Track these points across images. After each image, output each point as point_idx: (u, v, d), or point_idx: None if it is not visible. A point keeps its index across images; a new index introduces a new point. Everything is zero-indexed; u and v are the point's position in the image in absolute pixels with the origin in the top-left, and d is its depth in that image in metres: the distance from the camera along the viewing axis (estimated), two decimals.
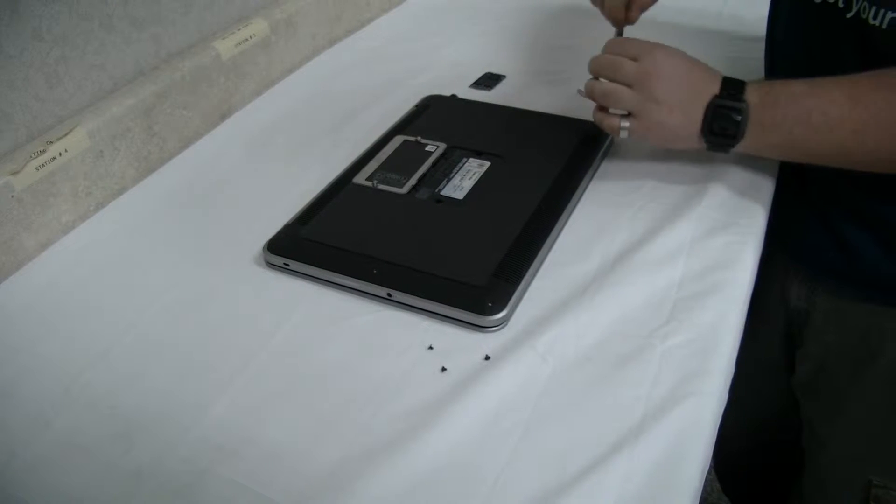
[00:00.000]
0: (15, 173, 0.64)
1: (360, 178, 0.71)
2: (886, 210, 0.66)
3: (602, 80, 0.66)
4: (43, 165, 0.66)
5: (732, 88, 0.62)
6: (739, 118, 0.61)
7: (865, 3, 0.59)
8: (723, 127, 0.62)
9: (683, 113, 0.63)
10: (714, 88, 0.62)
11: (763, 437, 0.99)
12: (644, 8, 0.75)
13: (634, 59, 0.64)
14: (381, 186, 0.69)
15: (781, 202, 0.69)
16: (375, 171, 0.71)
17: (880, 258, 0.67)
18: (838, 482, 0.80)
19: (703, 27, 0.96)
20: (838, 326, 0.75)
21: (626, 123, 0.65)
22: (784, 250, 0.76)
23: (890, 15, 0.57)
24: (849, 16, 0.61)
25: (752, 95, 0.61)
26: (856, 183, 0.63)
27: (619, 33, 0.77)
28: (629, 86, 0.64)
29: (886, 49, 0.58)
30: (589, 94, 0.67)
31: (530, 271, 0.60)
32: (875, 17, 0.58)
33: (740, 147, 0.63)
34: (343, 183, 0.71)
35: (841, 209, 0.69)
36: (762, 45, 0.76)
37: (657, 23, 0.99)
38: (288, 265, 0.63)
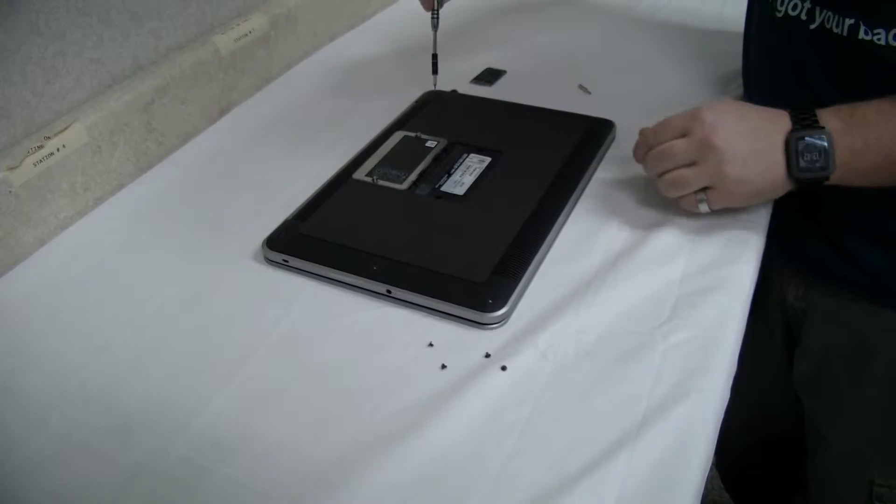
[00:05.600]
0: (12, 169, 0.64)
1: (360, 174, 0.70)
2: (880, 215, 0.66)
3: (663, 169, 0.62)
4: (41, 161, 0.66)
5: (805, 118, 0.58)
6: (826, 145, 0.56)
7: (829, 12, 0.59)
8: (811, 160, 0.57)
9: (761, 160, 0.58)
10: (785, 124, 0.58)
11: (765, 434, 0.99)
12: None
13: (684, 136, 0.60)
14: (381, 182, 0.69)
15: (777, 205, 0.68)
16: (375, 166, 0.71)
17: (875, 260, 0.67)
18: (841, 481, 0.80)
19: (700, 32, 0.96)
20: (835, 326, 0.74)
21: (704, 204, 0.61)
22: (780, 252, 0.76)
23: (848, 22, 0.58)
24: (812, 27, 0.61)
25: (830, 121, 0.57)
26: (848, 190, 0.64)
27: (434, 18, 0.79)
28: (693, 164, 0.59)
29: (849, 57, 0.59)
30: (662, 192, 0.63)
31: (531, 268, 0.60)
32: (837, 26, 0.59)
33: (834, 178, 0.58)
34: (343, 179, 0.70)
35: (836, 215, 0.69)
36: None
37: (655, 22, 0.99)
38: (287, 261, 0.63)
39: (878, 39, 0.56)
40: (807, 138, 0.56)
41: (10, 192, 0.64)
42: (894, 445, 0.74)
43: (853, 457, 0.77)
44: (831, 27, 0.59)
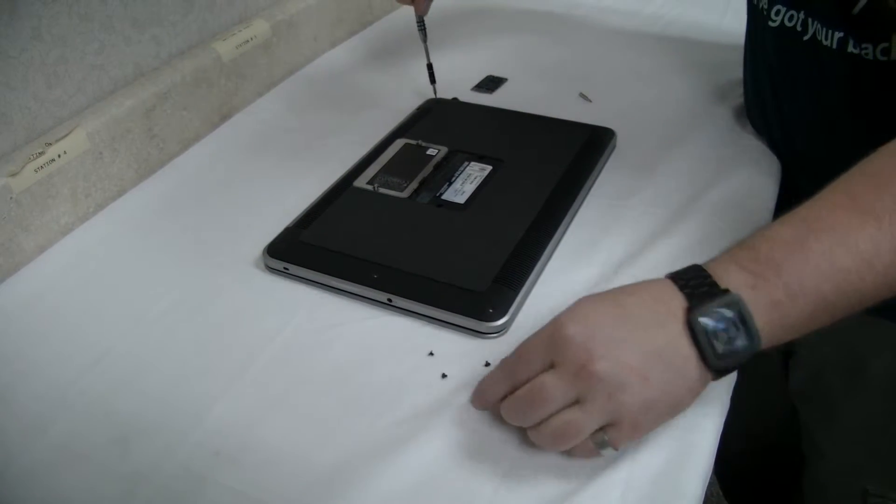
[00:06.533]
0: (13, 175, 0.64)
1: (361, 182, 0.70)
2: None
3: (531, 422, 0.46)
4: (42, 167, 0.66)
5: (692, 280, 0.44)
6: (740, 311, 0.42)
7: (819, 24, 0.60)
8: (728, 339, 0.42)
9: (664, 366, 0.43)
10: (676, 301, 0.44)
11: (764, 441, 0.99)
12: None
13: (549, 367, 0.44)
14: (382, 190, 0.69)
15: (775, 215, 0.68)
16: (376, 174, 0.71)
17: None
18: (835, 490, 0.80)
19: (700, 41, 0.96)
20: (830, 337, 0.74)
21: (608, 448, 0.45)
22: None
23: (837, 35, 0.58)
24: (806, 38, 0.61)
25: (731, 276, 0.44)
26: None
27: (421, 30, 0.80)
28: (576, 402, 0.44)
29: (838, 70, 0.60)
30: (542, 446, 0.46)
31: (532, 277, 0.60)
32: (826, 39, 0.59)
33: (765, 347, 0.43)
34: (344, 186, 0.70)
35: None
36: None
37: (656, 31, 1.00)
38: (287, 269, 0.63)
39: (866, 54, 0.57)
40: (713, 311, 0.42)
41: (11, 198, 0.64)
42: (889, 456, 0.74)
43: (847, 467, 0.77)
44: (821, 39, 0.60)
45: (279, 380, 0.54)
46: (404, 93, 0.87)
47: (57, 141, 0.67)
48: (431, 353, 0.55)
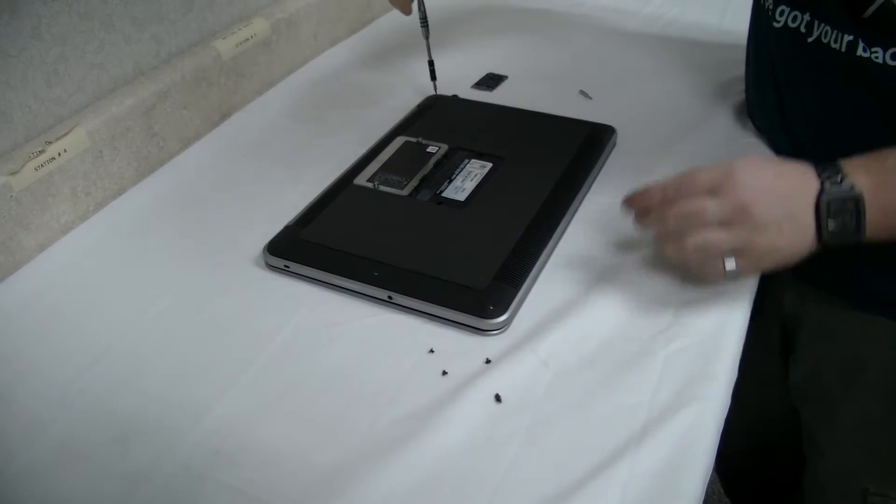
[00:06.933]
0: (14, 173, 0.64)
1: (361, 180, 0.70)
2: None
3: (680, 224, 0.56)
4: (42, 166, 0.66)
5: (832, 174, 0.54)
6: (857, 208, 0.53)
7: (827, 27, 0.59)
8: (842, 224, 0.53)
9: (794, 226, 0.54)
10: (813, 182, 0.54)
11: (765, 439, 0.99)
12: None
13: (712, 192, 0.55)
14: (383, 188, 0.69)
15: None
16: (376, 172, 0.71)
17: (870, 271, 0.67)
18: (836, 489, 0.80)
19: (700, 40, 0.96)
20: (829, 335, 0.74)
21: (731, 265, 0.55)
22: None
23: (847, 38, 0.57)
24: (810, 40, 0.61)
25: (859, 177, 0.53)
26: None
27: (424, 27, 0.79)
28: (724, 225, 0.54)
29: (846, 73, 0.59)
30: (676, 256, 0.57)
31: (532, 274, 0.60)
32: (835, 42, 0.58)
33: (866, 238, 0.54)
34: (344, 184, 0.70)
35: None
36: None
37: (656, 30, 0.99)
38: (288, 267, 0.63)
39: (876, 58, 0.56)
40: (836, 202, 0.53)
41: (12, 196, 0.64)
42: (889, 455, 0.73)
43: (847, 466, 0.77)
44: (829, 42, 0.59)
45: (279, 378, 0.54)
46: (404, 91, 0.87)
47: (57, 139, 0.67)
48: (432, 351, 0.55)
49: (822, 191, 0.53)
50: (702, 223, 0.54)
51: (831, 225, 0.53)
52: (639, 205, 0.59)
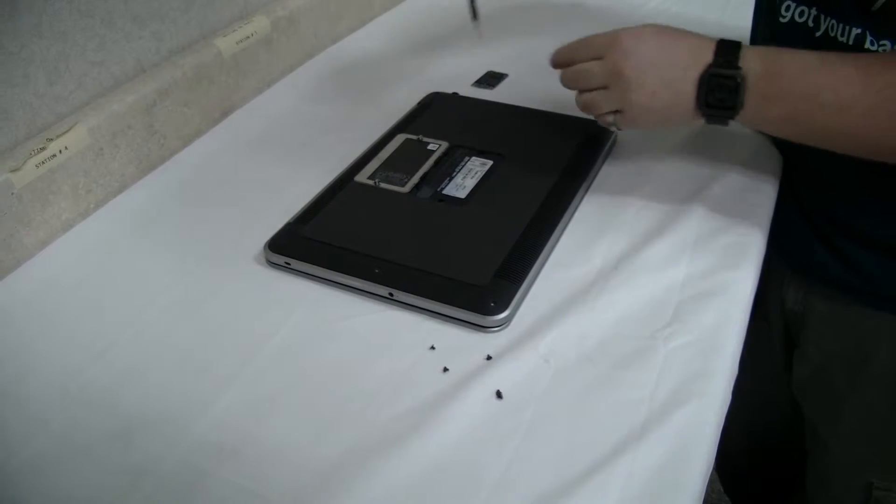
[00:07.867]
0: (15, 171, 0.64)
1: (362, 177, 0.70)
2: (880, 222, 0.66)
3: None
4: (43, 163, 0.66)
5: (728, 54, 0.57)
6: (737, 87, 0.56)
7: (834, 21, 0.59)
8: (720, 98, 0.57)
9: (670, 92, 0.58)
10: (707, 56, 0.57)
11: (765, 437, 0.99)
12: None
13: (599, 58, 0.61)
14: (383, 185, 0.69)
15: (777, 209, 0.68)
16: (377, 169, 0.71)
17: (874, 265, 0.67)
18: (840, 484, 0.80)
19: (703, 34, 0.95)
20: (833, 330, 0.75)
21: (611, 119, 0.63)
22: (780, 255, 0.76)
23: (855, 31, 0.57)
24: (818, 34, 0.61)
25: (752, 62, 0.56)
26: (847, 198, 0.63)
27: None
28: (604, 87, 0.61)
29: None
30: (577, 104, 0.65)
31: (533, 271, 0.60)
32: (843, 35, 0.58)
33: (739, 118, 0.58)
34: (345, 181, 0.70)
35: (836, 220, 0.69)
36: None
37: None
38: (289, 264, 0.63)
39: (884, 51, 0.56)
40: (720, 76, 0.56)
41: (13, 193, 0.64)
42: (893, 448, 0.74)
43: (852, 460, 0.77)
44: (836, 35, 0.59)
45: (281, 374, 0.54)
46: (405, 88, 0.87)
47: (58, 137, 0.68)
48: (433, 348, 0.56)
49: (711, 63, 0.57)
50: (586, 84, 0.62)
51: (709, 98, 0.57)
52: (555, 63, 0.65)
